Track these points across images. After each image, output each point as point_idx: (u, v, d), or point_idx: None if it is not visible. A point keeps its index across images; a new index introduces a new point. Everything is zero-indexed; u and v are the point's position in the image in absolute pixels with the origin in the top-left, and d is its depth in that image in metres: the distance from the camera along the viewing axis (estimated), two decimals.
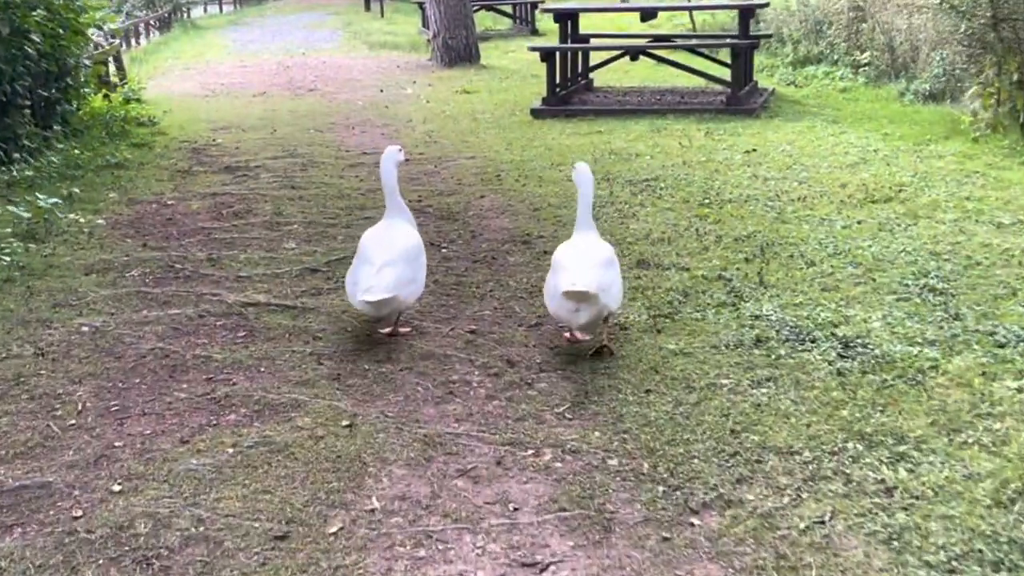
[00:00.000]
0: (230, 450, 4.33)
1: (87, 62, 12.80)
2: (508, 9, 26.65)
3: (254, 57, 23.17)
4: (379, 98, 16.09)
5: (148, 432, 4.54)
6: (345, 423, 4.57)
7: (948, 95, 13.89)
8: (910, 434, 4.40)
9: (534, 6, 25.81)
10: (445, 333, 5.70)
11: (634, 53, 13.90)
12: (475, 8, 22.43)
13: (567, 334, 5.55)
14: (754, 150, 10.51)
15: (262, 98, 16.10)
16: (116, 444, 4.42)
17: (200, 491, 4.02)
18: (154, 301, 6.22)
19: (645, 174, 9.52)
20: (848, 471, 4.11)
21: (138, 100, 15.22)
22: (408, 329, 5.70)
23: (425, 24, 23.57)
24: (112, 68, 17.10)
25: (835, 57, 17.28)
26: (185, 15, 37.09)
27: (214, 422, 4.62)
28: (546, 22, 26.74)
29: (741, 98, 13.35)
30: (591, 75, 15.55)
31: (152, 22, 32.62)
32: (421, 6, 24.71)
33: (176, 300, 6.22)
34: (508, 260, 7.08)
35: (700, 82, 15.81)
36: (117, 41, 17.34)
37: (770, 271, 6.55)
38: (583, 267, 5.06)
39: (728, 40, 15.11)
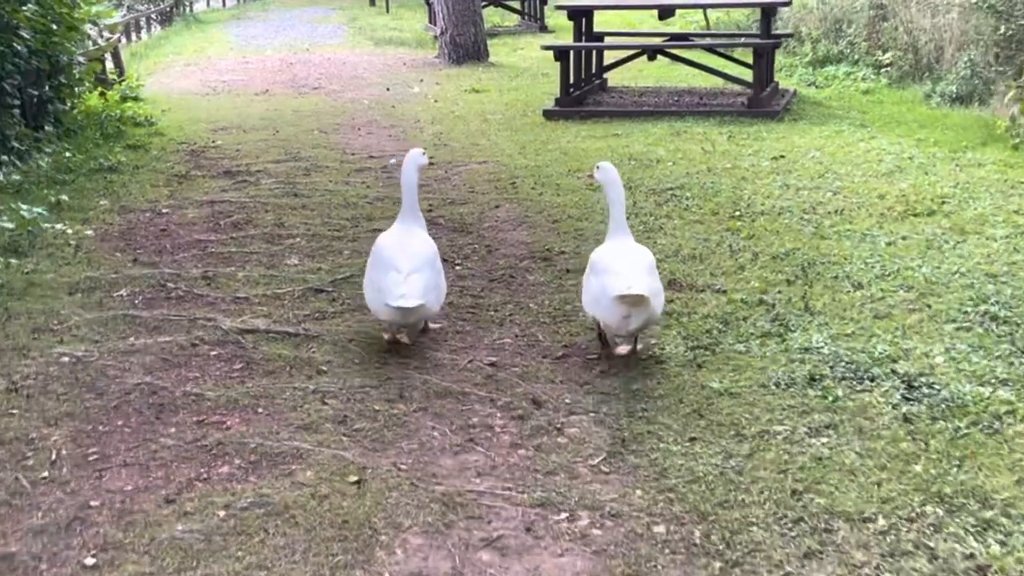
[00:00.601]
0: (221, 512, 3.79)
1: (81, 59, 12.27)
2: (516, 5, 26.09)
3: (257, 53, 22.63)
4: (385, 97, 15.55)
5: (129, 488, 4.00)
6: (352, 479, 4.03)
7: (976, 98, 13.36)
8: (995, 495, 3.86)
9: (543, 2, 25.26)
10: (462, 366, 5.16)
11: (652, 52, 13.35)
12: (482, 4, 21.86)
13: (604, 349, 5.25)
14: (782, 156, 9.96)
15: (264, 97, 15.57)
16: (92, 503, 3.88)
17: (186, 565, 3.48)
18: (143, 326, 5.67)
19: (668, 182, 8.98)
20: (931, 543, 3.58)
21: (136, 98, 14.68)
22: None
23: (431, 20, 23.02)
24: (110, 65, 16.58)
25: (855, 57, 16.73)
26: (187, 9, 36.53)
27: (204, 475, 4.08)
28: (556, 18, 26.18)
29: (763, 100, 12.80)
30: (605, 75, 14.99)
31: (153, 16, 32.08)
32: (427, 2, 24.16)
33: (167, 326, 5.68)
34: (528, 279, 6.54)
35: (718, 82, 15.27)
36: (115, 37, 16.80)
37: (815, 295, 6.00)
38: (634, 271, 4.91)
39: (750, 39, 14.53)
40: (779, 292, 6.08)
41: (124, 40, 25.69)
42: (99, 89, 13.90)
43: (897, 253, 6.79)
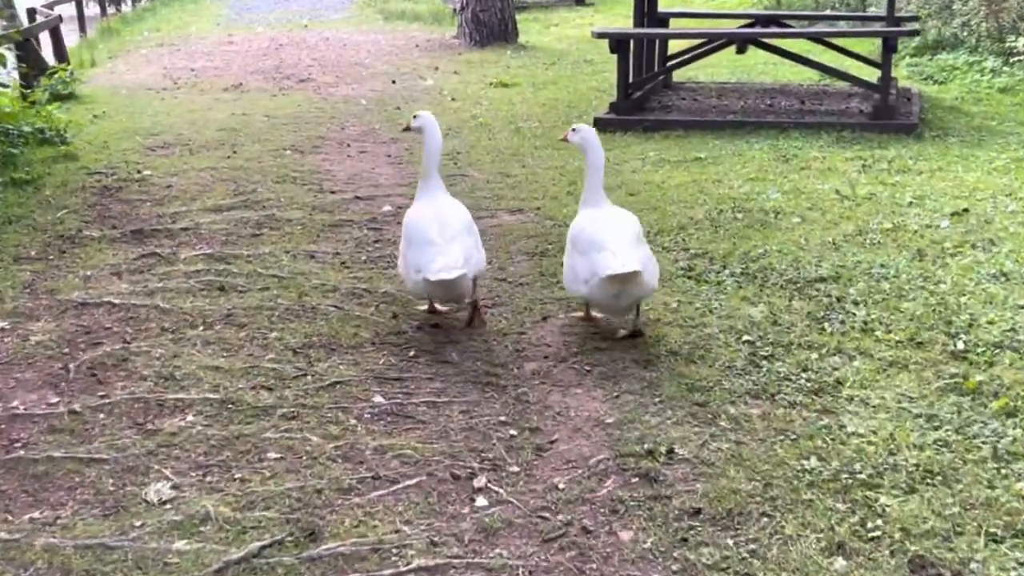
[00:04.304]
0: None
1: None
2: None
3: (245, 30, 19.32)
4: (390, 93, 12.28)
5: None
6: None
7: None
8: None
9: None
10: None
11: (742, 43, 9.97)
12: None
13: (580, 314, 4.96)
14: (965, 211, 6.64)
15: (235, 94, 12.26)
16: None
17: None
18: None
19: (810, 264, 5.68)
20: None
21: (70, 96, 11.48)
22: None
23: None
24: (51, 52, 13.37)
25: (973, 41, 13.30)
26: None
27: None
28: None
29: (893, 109, 9.47)
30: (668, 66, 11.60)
31: None
32: None
33: None
34: (620, 543, 3.27)
35: (812, 75, 11.97)
36: (55, 14, 13.55)
37: None
38: (622, 245, 4.52)
39: (877, 27, 11.13)
40: None
41: (100, 12, 22.48)
42: (17, 86, 10.73)
43: None
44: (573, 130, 5.03)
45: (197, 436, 3.86)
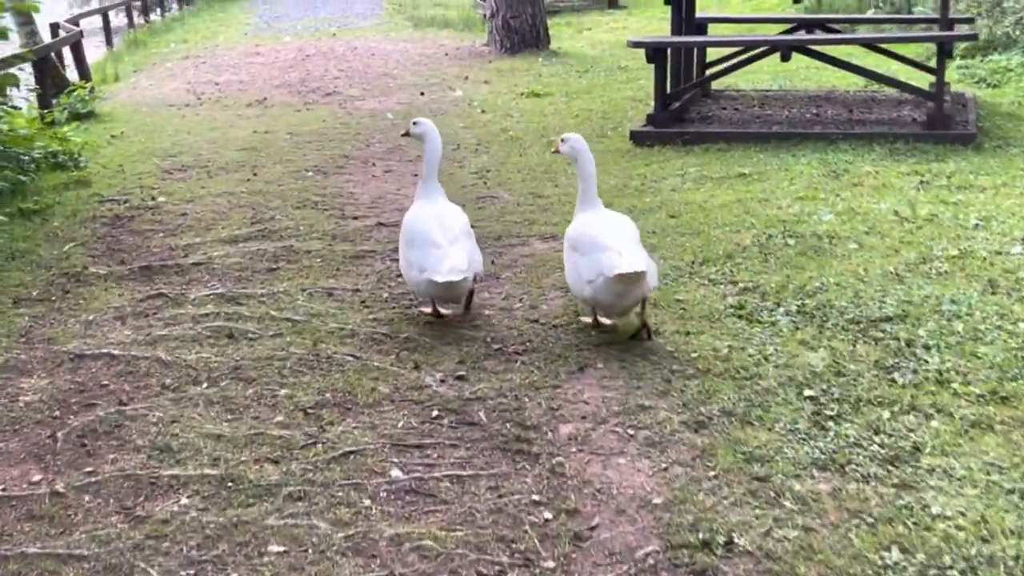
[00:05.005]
0: None
1: None
2: None
3: (273, 40, 18.98)
4: (417, 106, 11.84)
5: None
6: None
7: None
8: None
9: None
10: None
11: (787, 50, 9.43)
12: None
13: (587, 319, 5.02)
14: None
15: (258, 109, 11.88)
16: None
17: None
18: None
19: (873, 299, 5.17)
20: None
21: (89, 115, 11.15)
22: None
23: None
24: (73, 71, 13.06)
25: None
26: None
27: None
28: None
29: (949, 118, 8.90)
30: (707, 73, 11.09)
31: None
32: None
33: None
34: None
35: (857, 80, 11.39)
36: (77, 29, 13.24)
37: None
38: (626, 246, 4.71)
39: (928, 32, 10.58)
40: None
41: (128, 24, 22.27)
42: (36, 107, 10.41)
43: None
44: (563, 140, 5.17)
45: (191, 524, 3.42)
